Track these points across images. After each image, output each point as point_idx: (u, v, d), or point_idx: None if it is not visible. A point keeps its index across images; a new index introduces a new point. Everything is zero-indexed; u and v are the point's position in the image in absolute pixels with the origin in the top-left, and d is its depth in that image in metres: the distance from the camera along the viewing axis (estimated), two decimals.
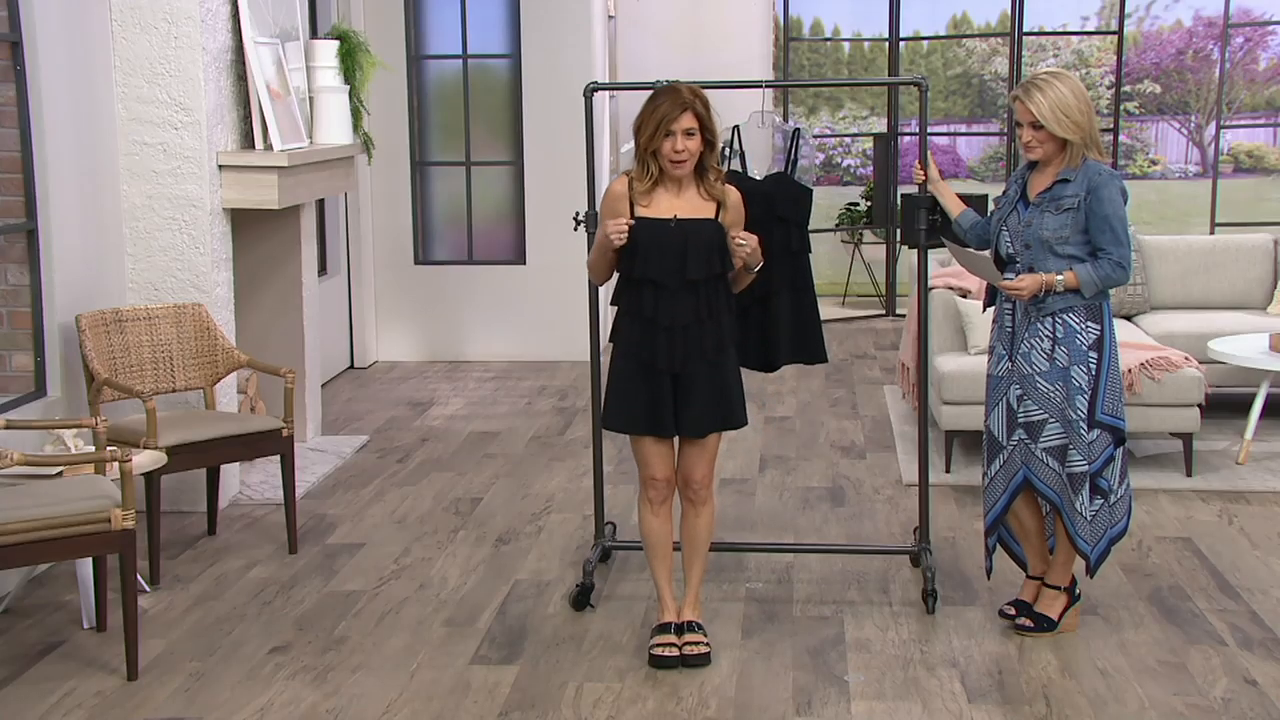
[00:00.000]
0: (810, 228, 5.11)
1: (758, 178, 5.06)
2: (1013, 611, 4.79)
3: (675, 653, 4.49)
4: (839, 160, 20.37)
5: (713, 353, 4.43)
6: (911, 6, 11.69)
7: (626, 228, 4.33)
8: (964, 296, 7.09)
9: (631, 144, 5.28)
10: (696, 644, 4.53)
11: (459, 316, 9.69)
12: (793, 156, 5.03)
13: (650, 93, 4.40)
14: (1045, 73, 4.53)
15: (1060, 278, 4.48)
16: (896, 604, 5.04)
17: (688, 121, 4.29)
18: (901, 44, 11.55)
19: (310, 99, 6.83)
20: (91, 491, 4.44)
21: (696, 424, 4.46)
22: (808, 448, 7.27)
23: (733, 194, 4.46)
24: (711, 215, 4.40)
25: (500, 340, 9.68)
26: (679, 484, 4.58)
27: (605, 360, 4.67)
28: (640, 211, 4.38)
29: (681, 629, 4.57)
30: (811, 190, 5.03)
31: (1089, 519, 4.58)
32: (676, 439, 4.53)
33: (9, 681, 4.44)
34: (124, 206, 6.08)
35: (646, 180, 4.37)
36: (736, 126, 5.09)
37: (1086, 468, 4.55)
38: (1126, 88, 21.16)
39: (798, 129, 5.12)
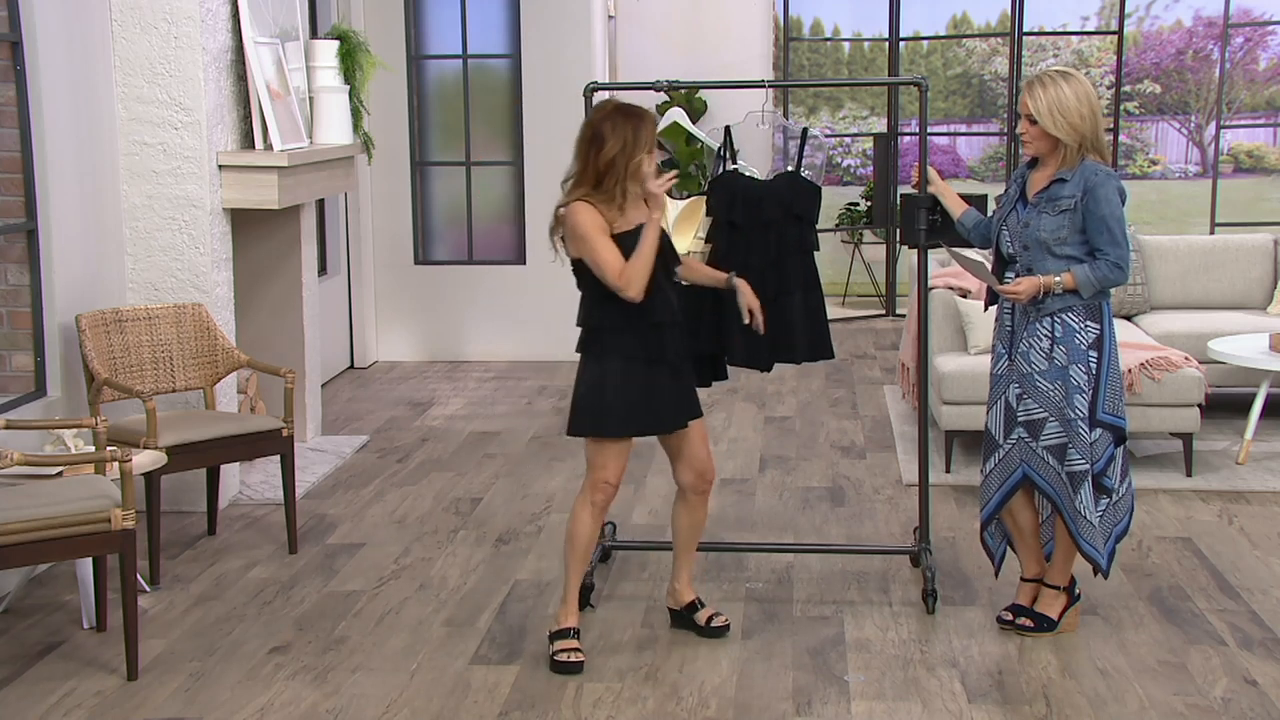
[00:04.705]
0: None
1: (761, 178, 5.07)
2: (1009, 617, 4.79)
3: (580, 658, 4.51)
4: (839, 160, 20.37)
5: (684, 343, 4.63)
6: (911, 6, 11.70)
7: (668, 177, 4.39)
8: (964, 296, 7.09)
9: None
10: (717, 614, 4.76)
11: (459, 316, 9.69)
12: (799, 157, 5.04)
13: (614, 116, 4.39)
14: (1056, 70, 4.54)
15: (1058, 280, 4.48)
16: (896, 604, 5.04)
17: None
18: (901, 44, 11.55)
19: (310, 99, 6.83)
20: (91, 491, 4.44)
21: (690, 409, 4.63)
22: (808, 448, 7.27)
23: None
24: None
25: (500, 340, 9.68)
26: (691, 481, 4.68)
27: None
28: (617, 229, 4.42)
29: (693, 607, 4.77)
30: (820, 189, 5.05)
31: (1094, 522, 4.58)
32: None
33: (9, 681, 4.44)
34: (124, 206, 6.08)
35: (618, 200, 4.41)
36: (728, 127, 5.09)
37: (1086, 467, 4.55)
38: (1126, 88, 21.16)
39: (806, 128, 5.15)
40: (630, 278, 4.35)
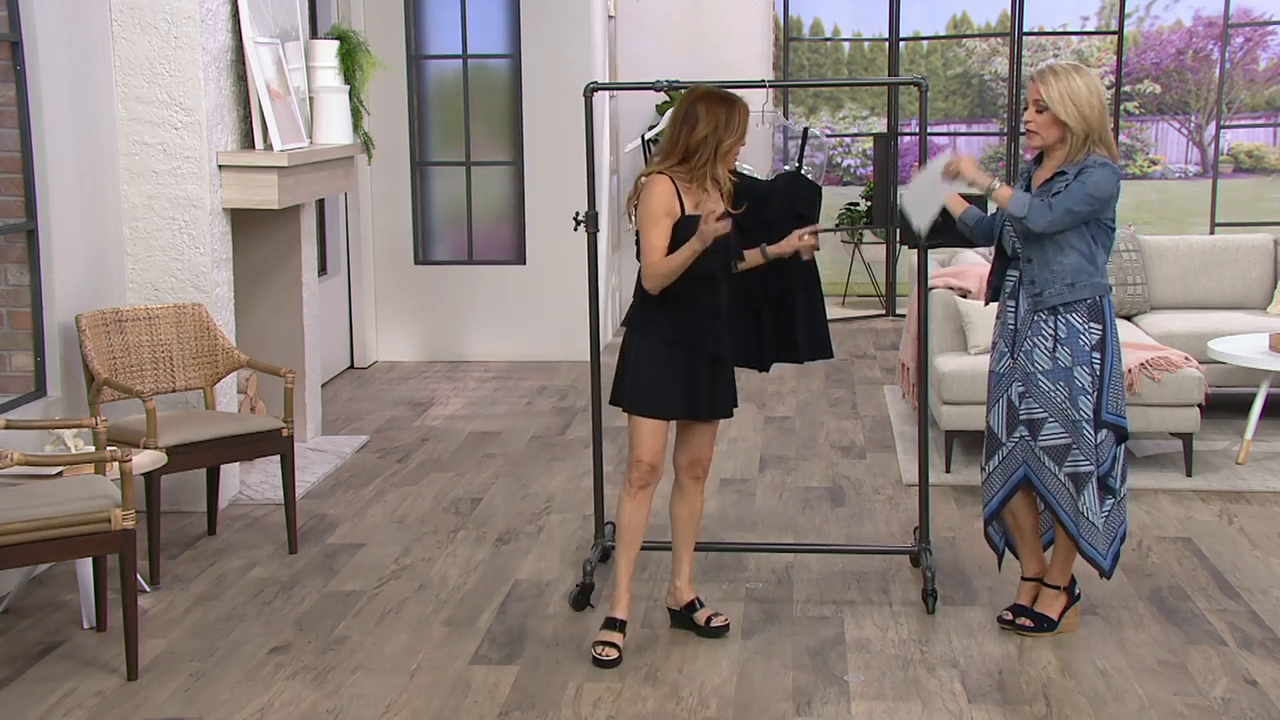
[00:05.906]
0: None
1: (761, 178, 5.06)
2: (1010, 617, 4.79)
3: (613, 655, 4.53)
4: (839, 160, 20.36)
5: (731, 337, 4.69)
6: (911, 6, 11.69)
7: (728, 222, 4.40)
8: (964, 296, 7.09)
9: (635, 143, 5.28)
10: (716, 614, 4.76)
11: (459, 316, 9.69)
12: (800, 156, 5.04)
13: (708, 98, 4.47)
14: (1069, 64, 4.54)
15: (998, 183, 4.56)
16: (896, 604, 5.04)
17: None
18: (901, 44, 11.55)
19: (310, 99, 6.83)
20: (91, 491, 4.44)
21: (725, 405, 4.67)
22: (808, 448, 7.27)
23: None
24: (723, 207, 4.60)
25: (500, 340, 9.67)
26: (685, 465, 4.73)
27: (607, 359, 4.67)
28: (689, 210, 4.49)
29: (692, 607, 4.78)
30: (820, 188, 5.06)
31: (1098, 524, 4.57)
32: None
33: (9, 681, 4.44)
34: (124, 206, 6.08)
35: (705, 181, 4.49)
36: None
37: (1091, 468, 4.54)
38: (1126, 88, 21.15)
39: (806, 128, 5.15)
40: (655, 272, 4.43)
